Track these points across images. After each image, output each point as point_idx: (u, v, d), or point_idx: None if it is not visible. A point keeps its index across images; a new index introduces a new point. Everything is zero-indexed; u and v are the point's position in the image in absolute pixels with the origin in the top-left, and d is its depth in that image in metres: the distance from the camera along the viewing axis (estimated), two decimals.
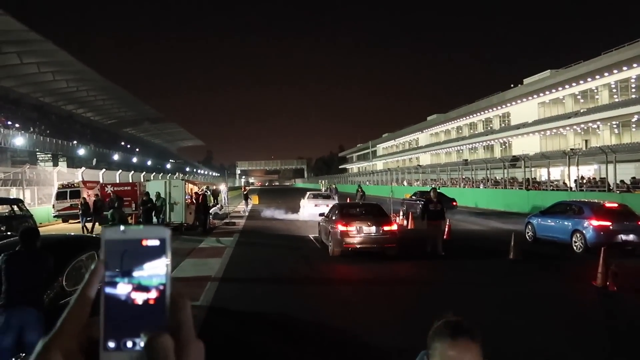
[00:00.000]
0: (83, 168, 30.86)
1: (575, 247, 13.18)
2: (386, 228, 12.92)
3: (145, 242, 0.53)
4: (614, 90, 40.35)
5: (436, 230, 13.31)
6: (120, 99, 61.57)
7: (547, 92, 45.29)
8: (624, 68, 36.01)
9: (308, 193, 28.09)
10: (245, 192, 39.00)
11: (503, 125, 54.56)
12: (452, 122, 64.81)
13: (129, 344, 0.50)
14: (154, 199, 18.44)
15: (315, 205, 24.05)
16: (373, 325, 7.10)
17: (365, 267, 11.70)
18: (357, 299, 8.82)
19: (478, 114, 57.87)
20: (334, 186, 41.26)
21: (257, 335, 6.79)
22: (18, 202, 16.95)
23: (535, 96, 46.92)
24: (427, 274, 11.06)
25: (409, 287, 9.77)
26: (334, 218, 13.96)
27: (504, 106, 52.61)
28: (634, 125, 38.68)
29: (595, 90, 41.59)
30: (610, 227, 12.37)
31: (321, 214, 16.10)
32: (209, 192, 24.39)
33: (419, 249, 13.61)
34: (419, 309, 7.80)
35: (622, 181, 23.48)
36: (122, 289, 0.52)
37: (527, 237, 15.35)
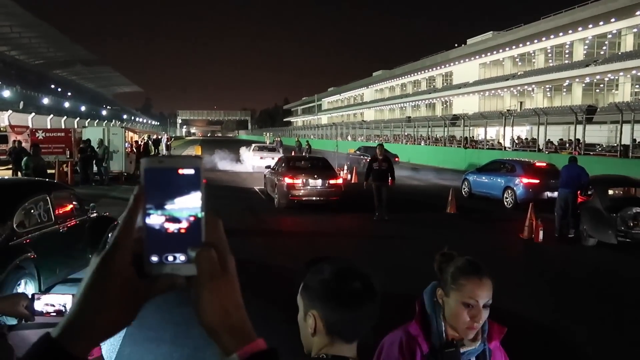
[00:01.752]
0: (10, 111, 28.79)
1: (506, 203, 14.12)
2: (332, 181, 13.20)
3: (181, 171, 0.58)
4: (550, 55, 42.20)
5: (380, 192, 11.83)
6: (49, 37, 56.96)
7: (488, 54, 46.60)
8: (560, 34, 37.59)
9: (253, 145, 28.12)
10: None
11: (445, 84, 55.89)
12: (397, 79, 65.53)
13: (170, 258, 0.58)
14: (93, 147, 17.61)
15: (261, 158, 24.33)
16: None
17: (310, 220, 11.97)
18: (302, 250, 9.10)
19: (422, 72, 58.79)
20: (278, 139, 41.07)
21: None
22: None
23: (476, 57, 48.17)
24: (369, 226, 11.49)
25: (352, 239, 10.17)
26: (280, 170, 14.05)
27: (447, 65, 53.71)
28: (564, 90, 40.89)
29: (533, 54, 43.30)
30: (538, 185, 13.31)
31: (267, 167, 16.12)
32: (150, 141, 23.60)
33: (362, 203, 14.06)
34: (362, 260, 8.18)
35: (550, 142, 25.02)
36: (156, 219, 0.57)
37: (463, 193, 16.21)
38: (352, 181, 20.13)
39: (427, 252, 7.93)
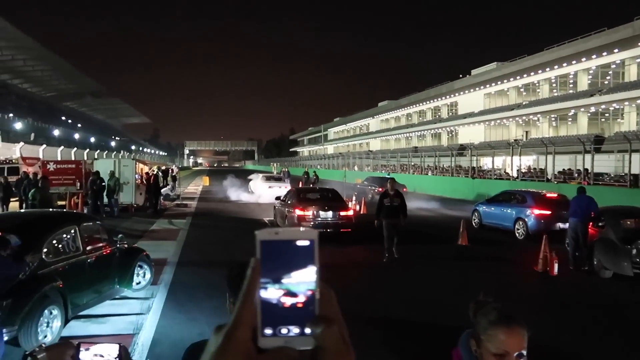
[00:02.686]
0: (22, 143, 29.23)
1: (517, 234, 14.03)
2: (342, 213, 13.20)
3: (297, 243, 0.58)
4: (554, 85, 42.59)
5: (392, 231, 10.88)
6: (60, 70, 58.25)
7: (493, 84, 47.10)
8: (564, 64, 38.01)
9: (261, 175, 29.02)
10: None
11: (451, 114, 56.31)
12: (403, 109, 66.15)
13: (284, 331, 0.57)
14: (103, 178, 17.76)
15: (269, 187, 25.01)
16: None
17: (321, 252, 11.89)
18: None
19: (427, 102, 59.39)
20: (286, 169, 41.14)
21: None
22: None
23: (481, 87, 48.68)
24: (381, 258, 11.39)
25: (367, 271, 10.11)
26: (290, 202, 14.10)
27: (452, 95, 54.26)
28: (570, 119, 41.07)
29: (537, 84, 43.71)
30: (550, 216, 13.24)
31: (277, 198, 16.16)
32: (160, 173, 23.81)
33: (374, 235, 14.00)
34: (378, 292, 8.11)
35: (559, 172, 24.99)
36: (272, 293, 0.58)
37: (474, 224, 16.14)
38: (362, 212, 20.10)
39: (442, 285, 7.89)
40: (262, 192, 24.85)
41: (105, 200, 17.59)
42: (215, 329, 0.59)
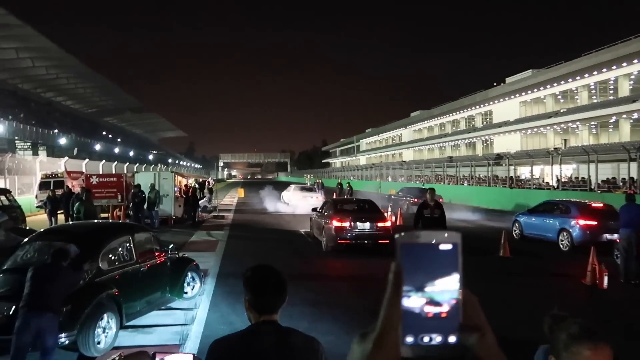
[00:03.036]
0: (66, 158, 30.32)
1: (561, 245, 13.59)
2: (380, 224, 13.13)
3: (439, 247, 0.56)
4: (593, 91, 41.32)
5: None
6: (101, 87, 60.50)
7: (528, 92, 46.12)
8: (603, 70, 36.88)
9: (293, 186, 30.47)
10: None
11: (485, 123, 55.37)
12: (436, 119, 65.49)
13: (426, 339, 0.56)
14: (144, 191, 18.25)
15: (303, 197, 26.88)
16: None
17: (359, 263, 11.86)
18: (356, 295, 8.98)
19: (461, 111, 58.61)
20: (319, 181, 41.33)
21: None
22: (6, 192, 16.63)
23: (517, 95, 47.73)
24: None
25: None
26: (327, 213, 14.11)
27: (486, 104, 53.39)
28: (611, 126, 39.72)
29: (575, 91, 42.52)
30: (596, 227, 12.78)
31: (314, 209, 16.20)
32: (197, 185, 24.29)
33: None
34: None
35: (603, 181, 24.15)
36: (415, 302, 0.56)
37: (514, 235, 15.74)
38: (398, 223, 19.91)
39: (491, 299, 7.61)
40: (296, 202, 26.12)
41: (146, 212, 18.04)
42: (359, 337, 0.59)
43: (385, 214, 20.47)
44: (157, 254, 7.63)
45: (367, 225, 13.05)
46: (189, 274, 8.25)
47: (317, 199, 25.65)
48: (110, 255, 6.49)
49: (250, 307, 1.99)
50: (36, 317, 4.68)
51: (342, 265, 11.80)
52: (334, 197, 25.11)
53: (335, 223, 13.05)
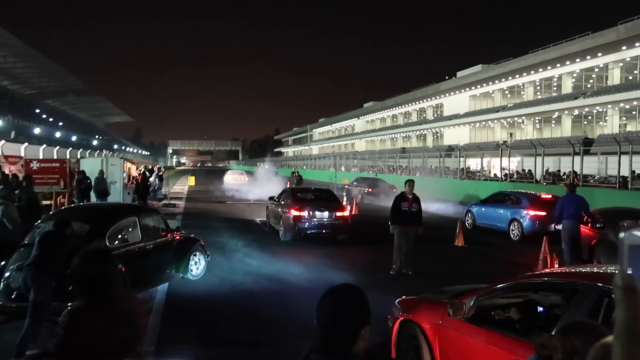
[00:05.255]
0: (2, 141, 28.37)
1: (512, 235, 14.07)
2: (339, 214, 13.07)
3: None
4: (539, 88, 43.16)
5: (406, 240, 9.63)
6: (42, 67, 56.95)
7: (478, 86, 47.55)
8: (548, 67, 38.54)
9: (230, 171, 43.97)
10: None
11: (436, 115, 56.70)
12: (388, 110, 66.40)
13: None
14: (90, 177, 17.30)
15: (234, 178, 37.79)
16: None
17: (319, 252, 11.73)
18: (317, 285, 8.87)
19: (413, 103, 59.70)
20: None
21: (226, 328, 6.66)
22: None
23: (467, 89, 49.12)
24: (380, 259, 11.22)
25: (365, 274, 9.79)
26: (284, 202, 13.90)
27: (437, 97, 54.65)
28: (554, 122, 41.65)
29: (522, 87, 44.24)
30: (545, 217, 13.29)
31: (270, 198, 15.93)
32: (147, 172, 23.38)
33: (367, 233, 13.89)
34: (384, 295, 7.96)
35: (548, 173, 25.24)
36: None
37: (467, 225, 16.15)
38: (353, 212, 19.96)
39: (441, 287, 7.53)
40: (230, 181, 36.84)
41: (96, 200, 17.13)
42: None
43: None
44: (163, 233, 8.21)
45: (325, 214, 12.96)
46: (197, 253, 8.72)
47: (243, 180, 36.78)
48: (117, 234, 7.13)
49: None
50: (39, 274, 5.35)
51: (301, 255, 11.65)
52: (288, 186, 24.92)
53: (294, 212, 12.87)
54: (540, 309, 3.74)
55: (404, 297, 5.41)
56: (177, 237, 8.53)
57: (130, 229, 7.37)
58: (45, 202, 17.67)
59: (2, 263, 6.57)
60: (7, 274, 6.22)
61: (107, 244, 6.65)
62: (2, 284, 6.19)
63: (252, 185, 32.89)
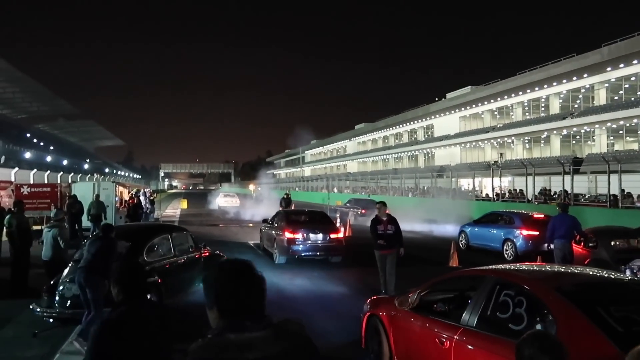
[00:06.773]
0: None
1: (506, 255, 14.09)
2: (333, 236, 13.04)
3: None
4: (527, 108, 43.82)
5: (386, 263, 9.42)
6: (33, 92, 57.04)
7: (467, 107, 48.21)
8: (536, 88, 39.23)
9: (222, 193, 45.62)
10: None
11: (427, 136, 57.23)
12: (379, 131, 66.96)
13: None
14: (81, 202, 17.16)
15: (225, 200, 39.64)
16: (336, 333, 7.12)
17: (314, 275, 11.68)
18: (313, 309, 8.80)
19: (404, 124, 60.30)
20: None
21: None
22: None
23: (456, 110, 49.77)
24: (374, 281, 11.13)
25: (363, 295, 9.73)
26: (278, 225, 13.86)
27: (428, 118, 55.27)
28: (543, 141, 42.20)
29: (511, 107, 44.91)
30: (538, 237, 13.34)
31: (264, 220, 15.88)
32: (141, 195, 23.25)
33: (361, 255, 13.82)
34: None
35: (539, 192, 25.44)
36: None
37: (461, 245, 16.16)
38: (346, 234, 19.93)
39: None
40: (221, 202, 38.72)
41: (89, 224, 16.90)
42: None
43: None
44: (192, 249, 9.11)
45: (319, 236, 12.92)
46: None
47: (235, 202, 38.39)
48: (153, 250, 8.05)
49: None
50: (90, 275, 6.12)
51: (296, 278, 11.57)
52: (280, 208, 24.81)
53: (288, 234, 12.82)
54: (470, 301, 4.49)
55: (373, 297, 6.58)
56: (205, 254, 9.50)
57: (164, 246, 8.28)
58: (35, 227, 17.48)
59: (57, 278, 7.33)
60: (61, 287, 6.97)
61: (145, 258, 7.54)
62: (57, 295, 6.93)
63: (244, 207, 32.93)
